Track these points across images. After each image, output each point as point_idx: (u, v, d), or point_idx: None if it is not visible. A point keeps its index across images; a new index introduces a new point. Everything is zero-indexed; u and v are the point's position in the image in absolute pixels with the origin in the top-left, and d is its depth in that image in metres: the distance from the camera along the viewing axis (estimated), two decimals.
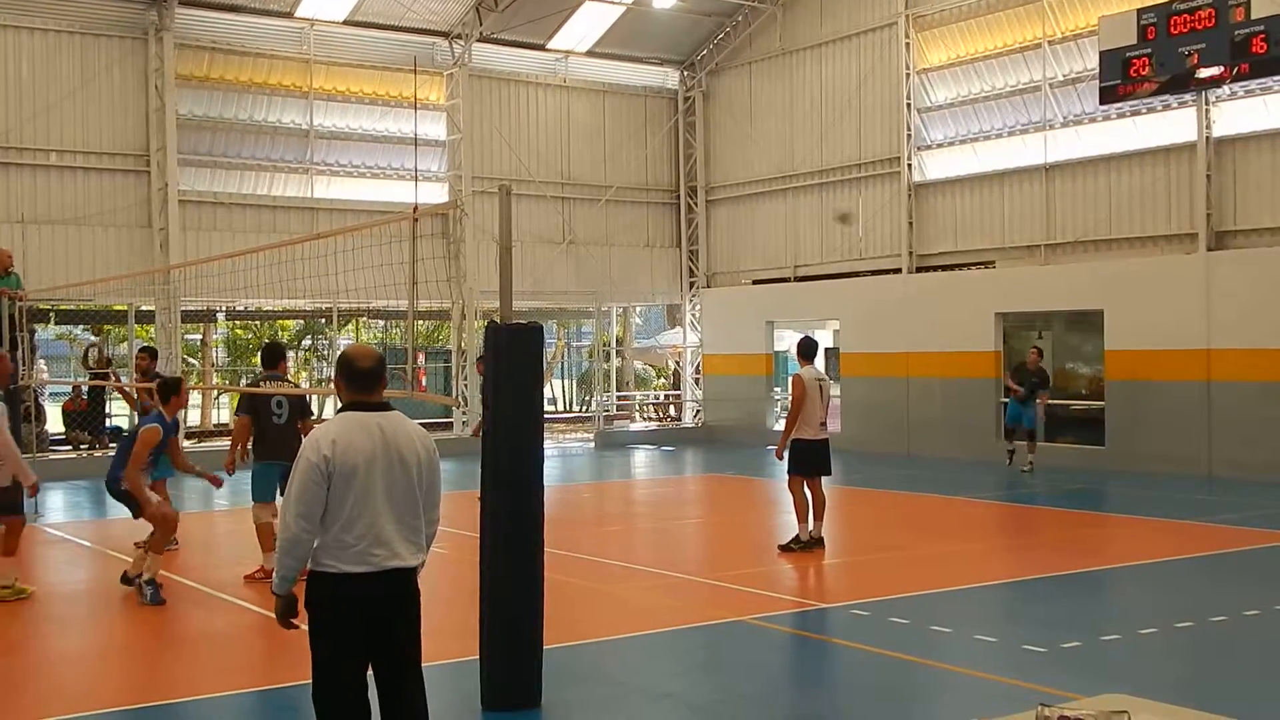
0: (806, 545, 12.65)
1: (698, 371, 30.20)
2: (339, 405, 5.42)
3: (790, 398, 13.02)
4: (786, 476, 12.99)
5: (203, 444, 22.99)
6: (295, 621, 5.33)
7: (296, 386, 15.44)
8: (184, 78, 24.18)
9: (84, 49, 23.32)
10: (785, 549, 12.69)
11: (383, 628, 5.20)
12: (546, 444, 7.71)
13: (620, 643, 9.28)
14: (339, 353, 5.55)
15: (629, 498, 19.99)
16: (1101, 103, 21.27)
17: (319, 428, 5.32)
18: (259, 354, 12.73)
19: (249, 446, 11.85)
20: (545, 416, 7.79)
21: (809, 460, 12.81)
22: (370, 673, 5.29)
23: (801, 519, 12.74)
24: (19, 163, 22.49)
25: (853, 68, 26.28)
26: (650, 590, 11.24)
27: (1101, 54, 20.93)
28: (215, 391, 28.99)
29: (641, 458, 25.85)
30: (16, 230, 21.57)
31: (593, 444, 27.89)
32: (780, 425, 21.56)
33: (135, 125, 23.74)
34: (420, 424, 5.54)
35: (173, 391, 10.82)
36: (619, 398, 32.26)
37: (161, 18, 23.66)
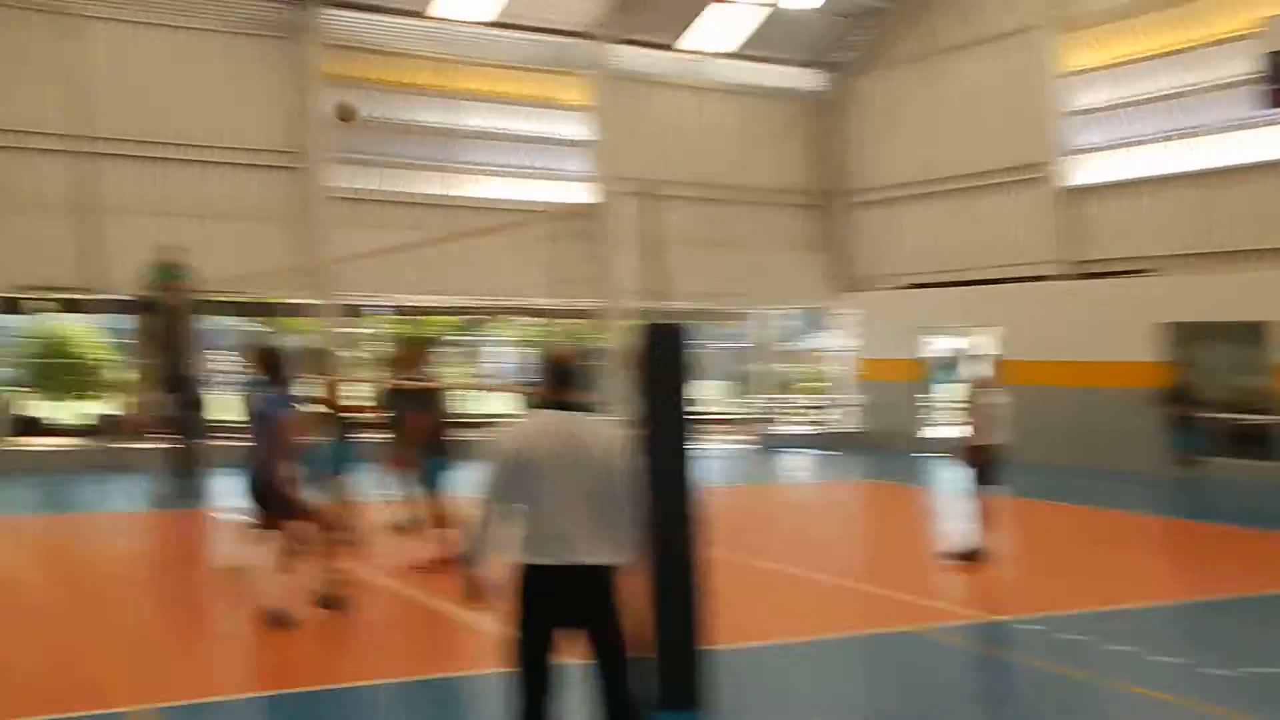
0: (975, 556, 12.38)
1: (851, 377, 29.92)
2: (534, 402, 5.56)
3: (974, 403, 12.74)
4: (966, 484, 12.74)
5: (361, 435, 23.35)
6: (482, 604, 5.48)
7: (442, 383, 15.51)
8: (332, 77, 24.68)
9: (237, 48, 24.01)
10: (953, 558, 12.44)
11: (574, 622, 5.31)
12: (699, 446, 7.68)
13: (782, 648, 9.21)
14: (541, 351, 5.67)
15: (784, 501, 19.89)
16: (1264, 107, 20.51)
17: (512, 423, 5.49)
18: (410, 349, 12.68)
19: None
20: (696, 419, 7.78)
21: (990, 469, 12.58)
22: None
23: (977, 529, 12.46)
24: (181, 159, 23.22)
25: (998, 70, 25.76)
26: (809, 596, 11.15)
27: (1266, 56, 20.18)
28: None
29: (794, 462, 25.71)
30: (183, 225, 22.21)
31: (746, 447, 27.80)
32: (945, 431, 21.24)
33: (288, 123, 24.36)
34: None
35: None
36: (771, 401, 32.07)
37: (308, 19, 24.23)
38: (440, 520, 11.63)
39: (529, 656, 5.31)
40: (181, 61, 23.44)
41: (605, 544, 5.32)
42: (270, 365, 10.12)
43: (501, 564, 5.33)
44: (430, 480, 11.72)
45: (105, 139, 21.73)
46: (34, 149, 21.72)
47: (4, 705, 7.33)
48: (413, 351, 12.26)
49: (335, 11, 24.63)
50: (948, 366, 25.65)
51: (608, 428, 5.47)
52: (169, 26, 23.39)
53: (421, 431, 11.66)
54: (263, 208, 23.90)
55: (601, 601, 5.34)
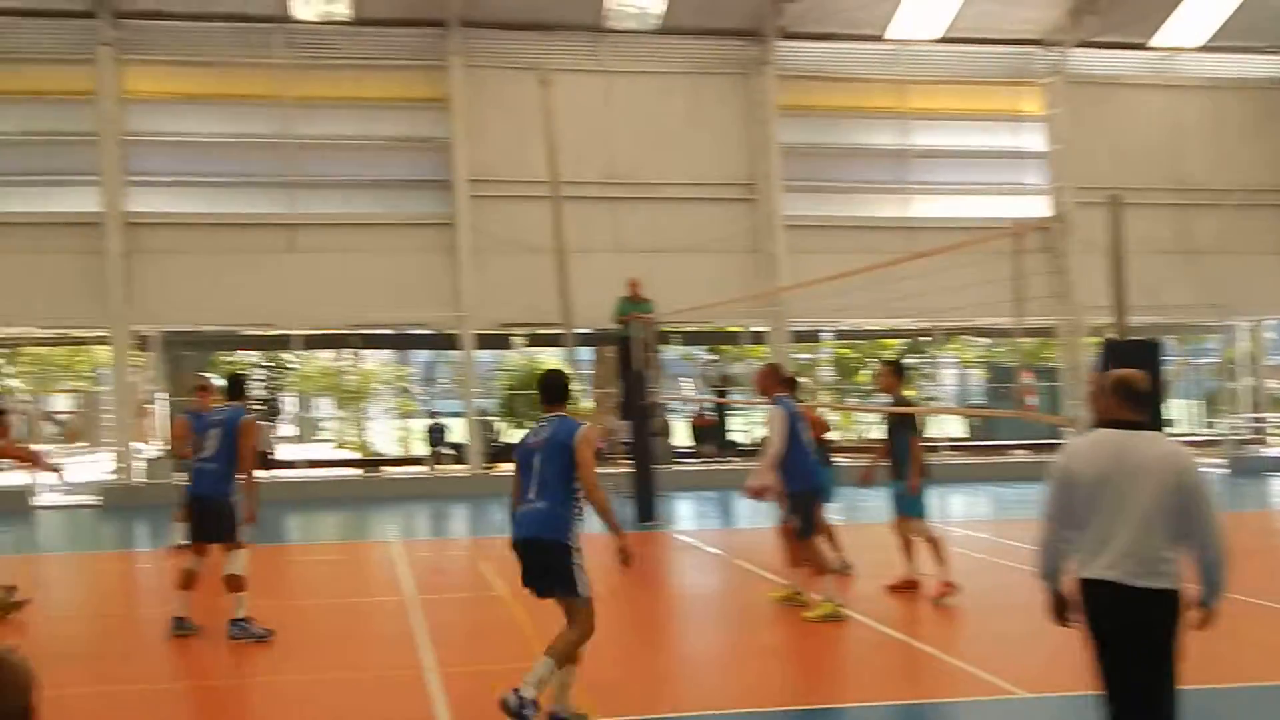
0: None
1: None
2: (1094, 421, 5.52)
3: None
4: None
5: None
6: (1067, 619, 5.45)
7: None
8: (785, 107, 25.26)
9: (694, 87, 25.12)
10: None
11: (1115, 642, 5.20)
12: None
13: (1263, 691, 8.36)
14: (1110, 372, 5.60)
15: (1269, 529, 18.13)
16: None
17: (1071, 442, 5.48)
18: (891, 373, 12.22)
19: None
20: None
21: None
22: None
23: None
24: (643, 197, 24.60)
25: None
26: None
27: None
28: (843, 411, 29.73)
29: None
30: (644, 259, 23.43)
31: (1223, 469, 25.69)
32: None
33: (742, 156, 25.17)
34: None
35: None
36: (1252, 420, 29.50)
37: (764, 53, 24.93)
38: (910, 544, 11.44)
39: (1103, 674, 5.27)
40: (644, 104, 24.83)
41: (1149, 566, 5.14)
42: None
43: (1069, 583, 5.36)
44: (910, 504, 11.43)
45: (572, 182, 23.34)
46: (518, 196, 23.80)
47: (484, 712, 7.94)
48: (893, 375, 11.89)
49: (792, 43, 25.26)
50: None
51: (1173, 447, 5.31)
52: (633, 73, 24.86)
53: (920, 455, 11.40)
54: (719, 239, 24.78)
55: (1141, 627, 5.15)
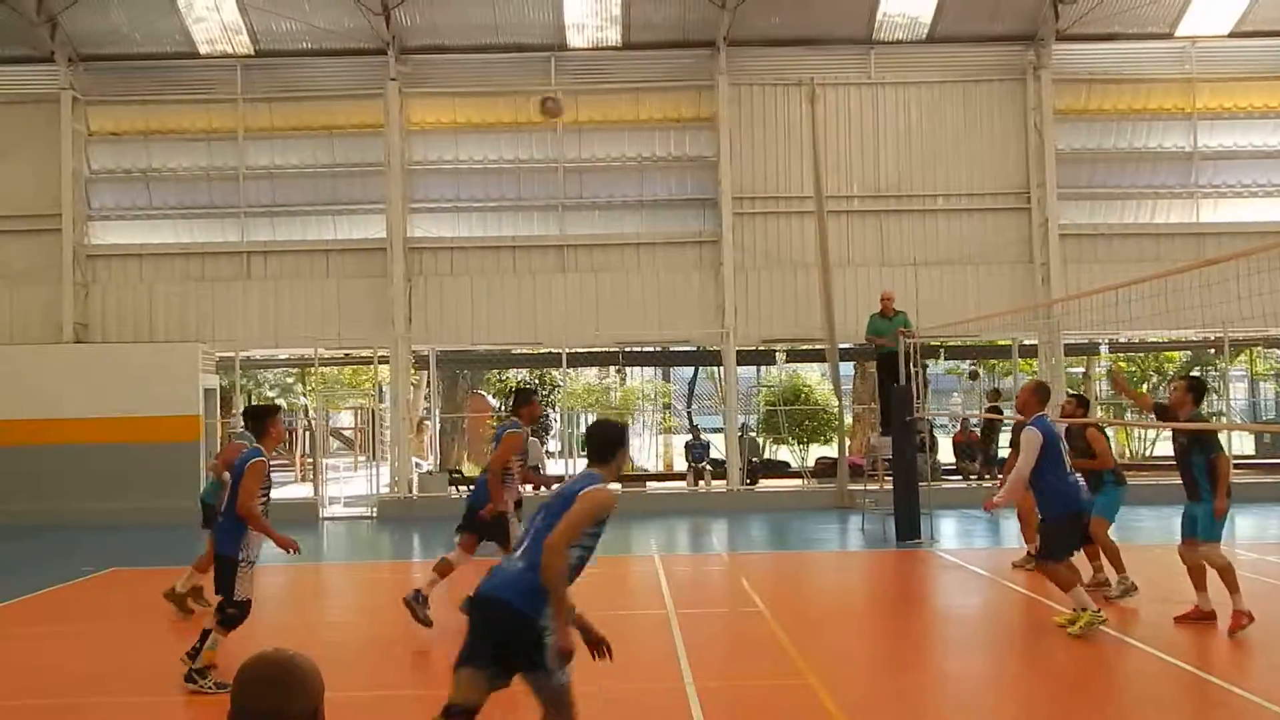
0: None
1: None
2: None
3: None
4: None
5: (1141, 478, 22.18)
6: None
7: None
8: (1062, 112, 24.33)
9: (965, 95, 24.44)
10: None
11: None
12: None
13: None
14: None
15: None
16: None
17: None
18: (1184, 390, 11.34)
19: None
20: None
21: None
22: None
23: None
24: (910, 209, 24.10)
25: None
26: None
27: None
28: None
29: None
30: (909, 272, 22.97)
31: None
32: None
33: (1014, 164, 24.32)
34: None
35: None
36: None
37: (1039, 56, 24.09)
38: (1201, 571, 10.67)
39: None
40: (911, 114, 24.38)
41: None
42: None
43: None
44: (1206, 526, 10.51)
45: (836, 196, 23.15)
46: (782, 211, 23.80)
47: None
48: (1186, 392, 11.05)
49: (1066, 46, 24.30)
50: None
51: None
52: (900, 83, 24.42)
53: (1227, 474, 10.50)
54: (989, 250, 24.04)
55: None
